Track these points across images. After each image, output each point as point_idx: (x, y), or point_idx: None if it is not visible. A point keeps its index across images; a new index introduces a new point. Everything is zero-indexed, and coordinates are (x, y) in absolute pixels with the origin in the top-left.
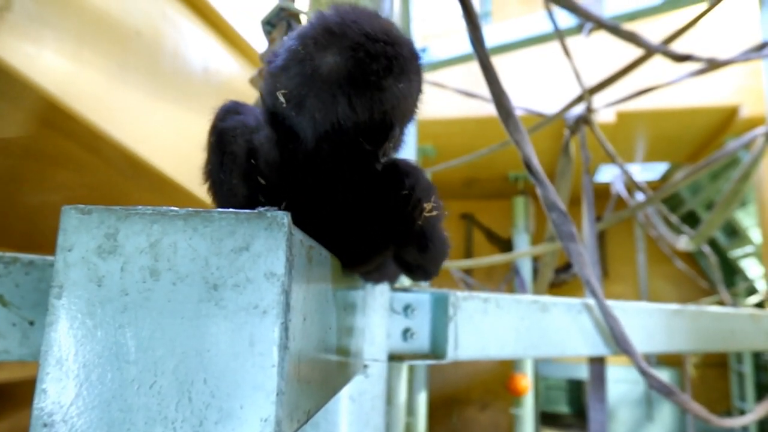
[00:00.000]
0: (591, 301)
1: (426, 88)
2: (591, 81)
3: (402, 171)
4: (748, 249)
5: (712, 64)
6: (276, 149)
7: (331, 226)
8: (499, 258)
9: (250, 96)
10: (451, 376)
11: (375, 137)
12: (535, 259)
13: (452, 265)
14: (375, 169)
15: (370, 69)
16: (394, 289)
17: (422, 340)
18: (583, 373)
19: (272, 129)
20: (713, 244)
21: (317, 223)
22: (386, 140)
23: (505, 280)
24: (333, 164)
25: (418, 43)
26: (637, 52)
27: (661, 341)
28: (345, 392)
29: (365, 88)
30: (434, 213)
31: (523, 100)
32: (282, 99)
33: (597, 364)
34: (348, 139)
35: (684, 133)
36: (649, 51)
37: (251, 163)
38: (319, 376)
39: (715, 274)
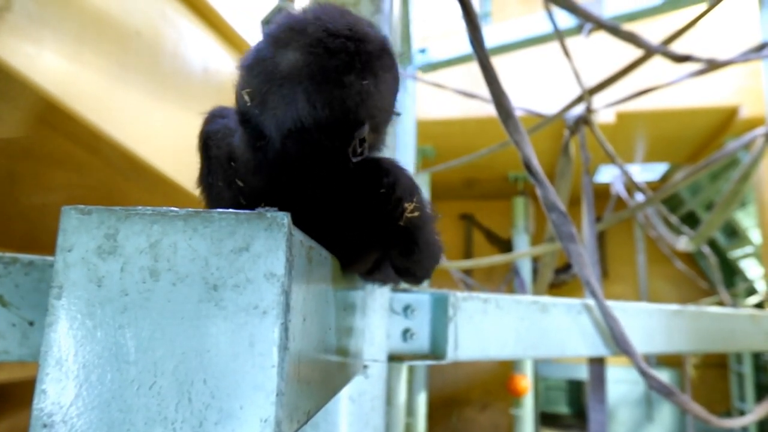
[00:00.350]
0: (591, 302)
1: (425, 89)
2: (591, 81)
3: (381, 169)
4: (748, 249)
5: (712, 65)
6: (248, 149)
7: (312, 226)
8: (498, 258)
9: None
10: (451, 376)
11: (339, 135)
12: (535, 260)
13: (452, 265)
14: (348, 167)
15: (329, 65)
16: (394, 290)
17: (422, 341)
18: (582, 373)
19: (243, 129)
20: (713, 244)
21: (298, 224)
22: (352, 138)
23: (505, 280)
24: (301, 162)
25: (418, 43)
26: (637, 52)
27: (661, 342)
28: (345, 393)
29: (323, 84)
30: (416, 214)
31: (522, 100)
32: (247, 98)
33: (597, 364)
34: (310, 137)
35: (684, 133)
36: (649, 51)
37: (231, 166)
38: (319, 376)
39: (715, 275)
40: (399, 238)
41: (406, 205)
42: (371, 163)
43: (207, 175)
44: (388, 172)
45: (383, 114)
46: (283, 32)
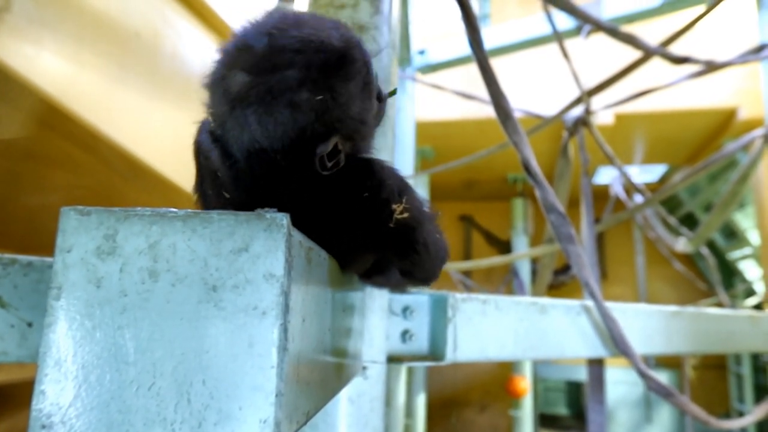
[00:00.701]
0: (590, 303)
1: (424, 90)
2: (589, 83)
3: (365, 172)
4: (747, 251)
5: (711, 66)
6: (222, 166)
7: (303, 230)
8: (497, 260)
9: None
10: (450, 377)
11: (298, 154)
12: (534, 261)
13: (451, 266)
14: (323, 177)
15: (276, 84)
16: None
17: (421, 342)
18: (581, 374)
19: (214, 146)
20: (712, 245)
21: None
22: (314, 155)
23: (504, 281)
24: (270, 179)
25: (417, 44)
26: (636, 54)
27: (660, 343)
28: (344, 394)
29: (272, 105)
30: (405, 215)
31: (521, 101)
32: (210, 118)
33: (596, 365)
34: (269, 157)
35: (682, 134)
36: (648, 53)
37: (217, 176)
38: (318, 377)
39: (714, 276)
40: (392, 240)
41: (394, 206)
42: (356, 166)
43: (201, 184)
44: (373, 174)
45: (352, 123)
46: (234, 50)
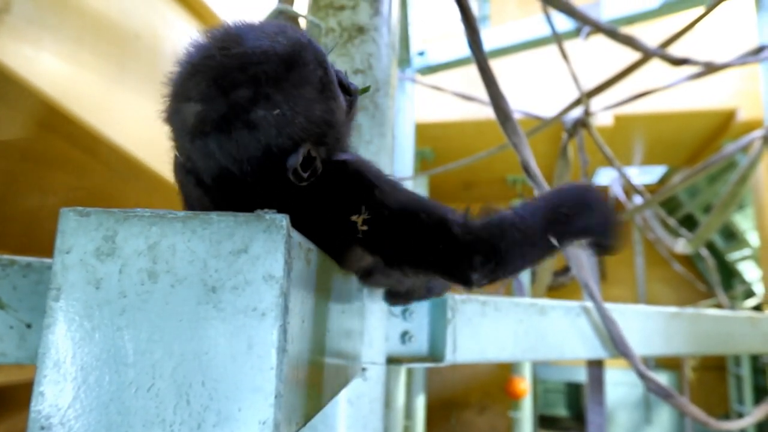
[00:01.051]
0: (589, 304)
1: (424, 91)
2: (589, 84)
3: (333, 181)
4: (746, 252)
5: (710, 68)
6: (198, 193)
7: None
8: None
9: None
10: (450, 379)
11: (268, 172)
12: None
13: None
14: (302, 187)
15: (229, 110)
16: None
17: (421, 343)
18: (581, 376)
19: (187, 177)
20: (711, 247)
21: None
22: (284, 170)
23: (504, 282)
24: (245, 201)
25: (417, 46)
26: (635, 55)
27: (660, 344)
28: (343, 395)
29: (231, 131)
30: (365, 227)
31: (521, 103)
32: (177, 152)
33: (595, 367)
34: (239, 181)
35: (681, 136)
36: (647, 54)
37: (200, 202)
38: (317, 379)
39: (713, 277)
40: (386, 241)
41: (354, 218)
42: (329, 173)
43: (189, 208)
44: (338, 183)
45: (318, 128)
46: (181, 79)
